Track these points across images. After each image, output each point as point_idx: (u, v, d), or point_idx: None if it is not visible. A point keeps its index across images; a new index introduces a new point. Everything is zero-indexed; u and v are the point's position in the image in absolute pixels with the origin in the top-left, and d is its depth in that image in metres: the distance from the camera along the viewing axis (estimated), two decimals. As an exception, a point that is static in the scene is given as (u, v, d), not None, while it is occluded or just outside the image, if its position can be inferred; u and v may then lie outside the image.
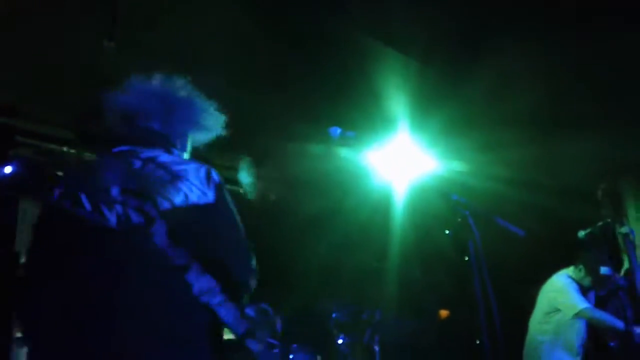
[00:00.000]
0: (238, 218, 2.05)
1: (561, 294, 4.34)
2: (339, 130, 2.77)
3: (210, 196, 1.95)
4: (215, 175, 2.01)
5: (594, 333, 4.31)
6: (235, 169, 5.70)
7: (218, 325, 1.93)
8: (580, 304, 4.24)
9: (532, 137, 4.85)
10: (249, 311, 3.98)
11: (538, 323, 4.43)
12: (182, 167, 2.00)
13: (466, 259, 2.74)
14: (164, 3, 3.57)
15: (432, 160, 4.35)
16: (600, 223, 4.47)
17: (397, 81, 4.09)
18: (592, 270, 4.34)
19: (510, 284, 4.57)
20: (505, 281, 3.90)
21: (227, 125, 2.36)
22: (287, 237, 5.99)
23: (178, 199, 1.90)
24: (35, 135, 4.92)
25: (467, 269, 2.73)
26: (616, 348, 4.19)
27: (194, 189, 1.93)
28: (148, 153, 2.04)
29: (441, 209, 3.31)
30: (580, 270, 4.40)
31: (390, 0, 3.56)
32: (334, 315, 4.88)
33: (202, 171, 1.99)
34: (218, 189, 1.99)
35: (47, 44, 3.82)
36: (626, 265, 4.49)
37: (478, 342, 2.55)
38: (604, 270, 4.34)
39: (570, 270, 4.46)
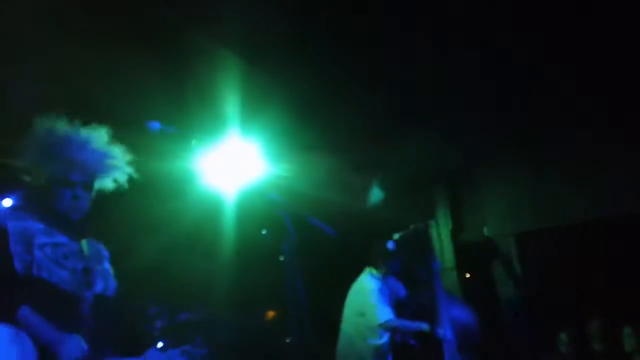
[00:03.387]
0: None
1: (368, 301, 4.54)
2: (157, 125, 2.69)
3: None
4: None
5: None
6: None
7: None
8: (383, 316, 4.46)
9: (350, 141, 5.10)
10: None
11: (352, 318, 4.63)
12: None
13: (281, 258, 2.80)
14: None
15: (260, 162, 4.39)
16: (412, 226, 4.80)
17: (227, 81, 4.07)
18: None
19: (323, 284, 4.75)
20: (317, 280, 4.06)
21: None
22: (111, 238, 5.68)
23: None
24: None
25: (282, 268, 2.79)
26: (417, 346, 4.52)
27: None
28: None
29: (263, 211, 3.36)
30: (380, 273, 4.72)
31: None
32: (155, 319, 4.70)
33: None
34: None
35: None
36: None
37: (288, 340, 2.63)
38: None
39: (373, 271, 4.74)
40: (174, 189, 5.06)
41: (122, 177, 2.77)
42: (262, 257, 5.60)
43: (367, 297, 4.56)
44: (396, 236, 4.73)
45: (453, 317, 4.42)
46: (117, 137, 4.43)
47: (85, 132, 2.64)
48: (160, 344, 4.63)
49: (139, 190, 5.52)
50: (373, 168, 5.70)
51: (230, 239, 5.73)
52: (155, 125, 2.69)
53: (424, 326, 4.40)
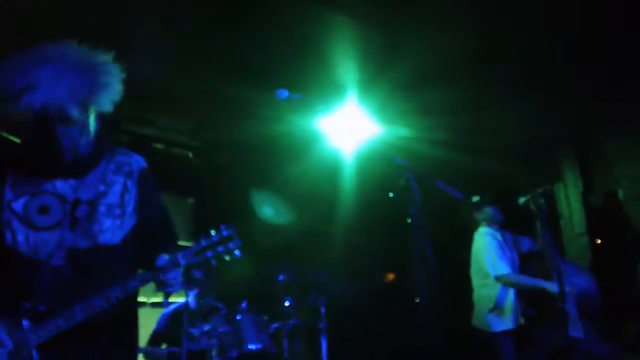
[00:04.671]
0: None
1: (483, 257, 4.41)
2: (285, 93, 2.76)
3: None
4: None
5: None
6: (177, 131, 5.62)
7: None
8: (500, 268, 4.29)
9: (472, 102, 4.96)
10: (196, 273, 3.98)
11: (478, 280, 4.55)
12: None
13: (408, 221, 2.80)
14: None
15: (378, 125, 4.40)
16: (539, 190, 4.57)
17: (343, 45, 4.10)
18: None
19: (450, 245, 4.70)
20: (445, 242, 4.02)
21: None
22: (233, 201, 5.99)
23: None
24: None
25: (409, 231, 2.80)
26: (533, 316, 4.28)
27: None
28: None
29: (385, 173, 3.37)
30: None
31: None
32: (280, 277, 4.92)
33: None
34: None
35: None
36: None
37: (417, 300, 2.65)
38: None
39: (486, 228, 4.58)
40: (298, 153, 5.21)
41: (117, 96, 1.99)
42: (385, 219, 5.65)
43: (481, 254, 4.47)
44: (522, 200, 4.53)
45: (572, 283, 4.11)
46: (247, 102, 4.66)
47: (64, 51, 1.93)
48: (287, 302, 4.85)
49: (265, 152, 5.79)
50: (491, 130, 5.51)
51: (350, 202, 5.84)
52: (284, 92, 2.74)
53: (547, 284, 4.05)
